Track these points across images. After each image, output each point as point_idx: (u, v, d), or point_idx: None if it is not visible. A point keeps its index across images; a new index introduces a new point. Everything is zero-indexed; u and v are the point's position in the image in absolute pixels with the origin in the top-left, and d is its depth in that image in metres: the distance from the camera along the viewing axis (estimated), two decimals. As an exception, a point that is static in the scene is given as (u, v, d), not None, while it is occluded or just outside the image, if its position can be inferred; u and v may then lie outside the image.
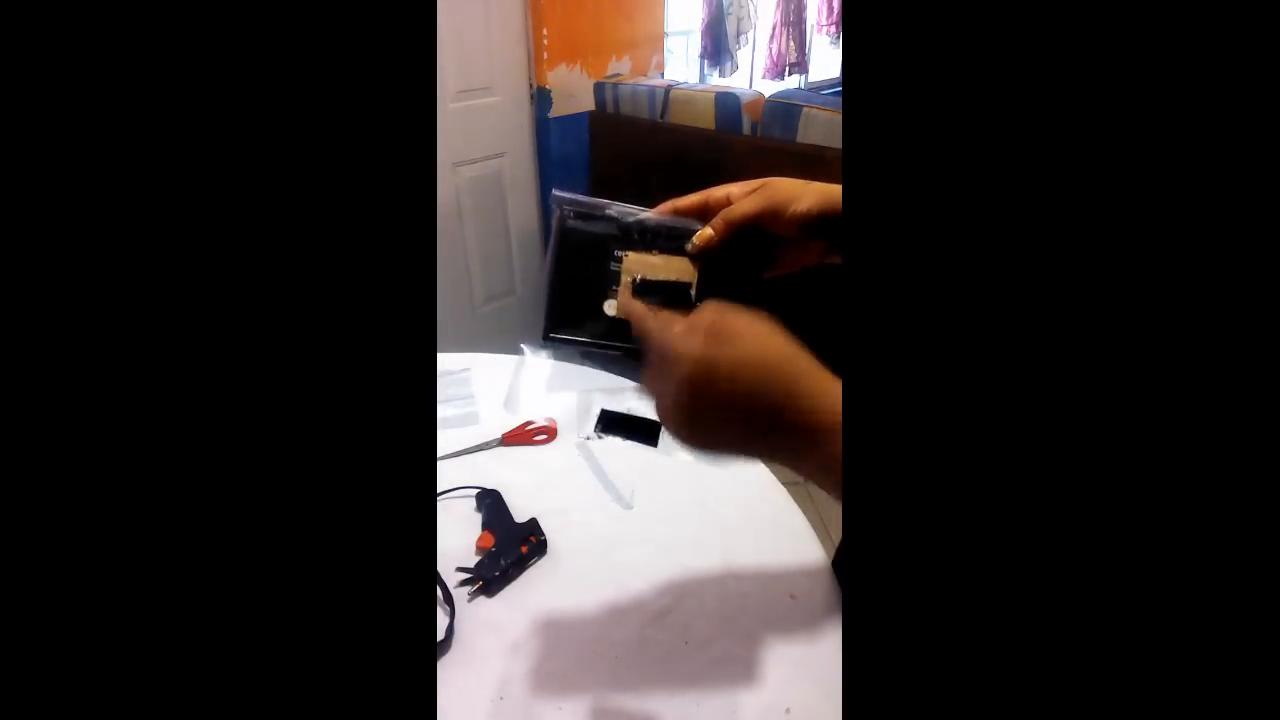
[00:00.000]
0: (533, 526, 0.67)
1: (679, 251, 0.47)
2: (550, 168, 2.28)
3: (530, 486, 0.75)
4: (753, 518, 0.72)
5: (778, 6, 3.17)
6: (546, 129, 2.22)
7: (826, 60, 3.56)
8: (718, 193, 0.48)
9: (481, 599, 0.62)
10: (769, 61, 3.24)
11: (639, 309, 0.43)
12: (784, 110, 1.74)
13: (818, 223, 0.46)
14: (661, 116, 2.02)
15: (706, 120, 1.92)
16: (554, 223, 0.47)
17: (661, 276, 0.46)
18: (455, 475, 0.75)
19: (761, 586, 0.64)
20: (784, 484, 0.75)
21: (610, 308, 0.46)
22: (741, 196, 0.47)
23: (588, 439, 0.84)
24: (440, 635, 0.57)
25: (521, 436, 0.84)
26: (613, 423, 0.86)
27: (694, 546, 0.68)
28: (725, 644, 0.58)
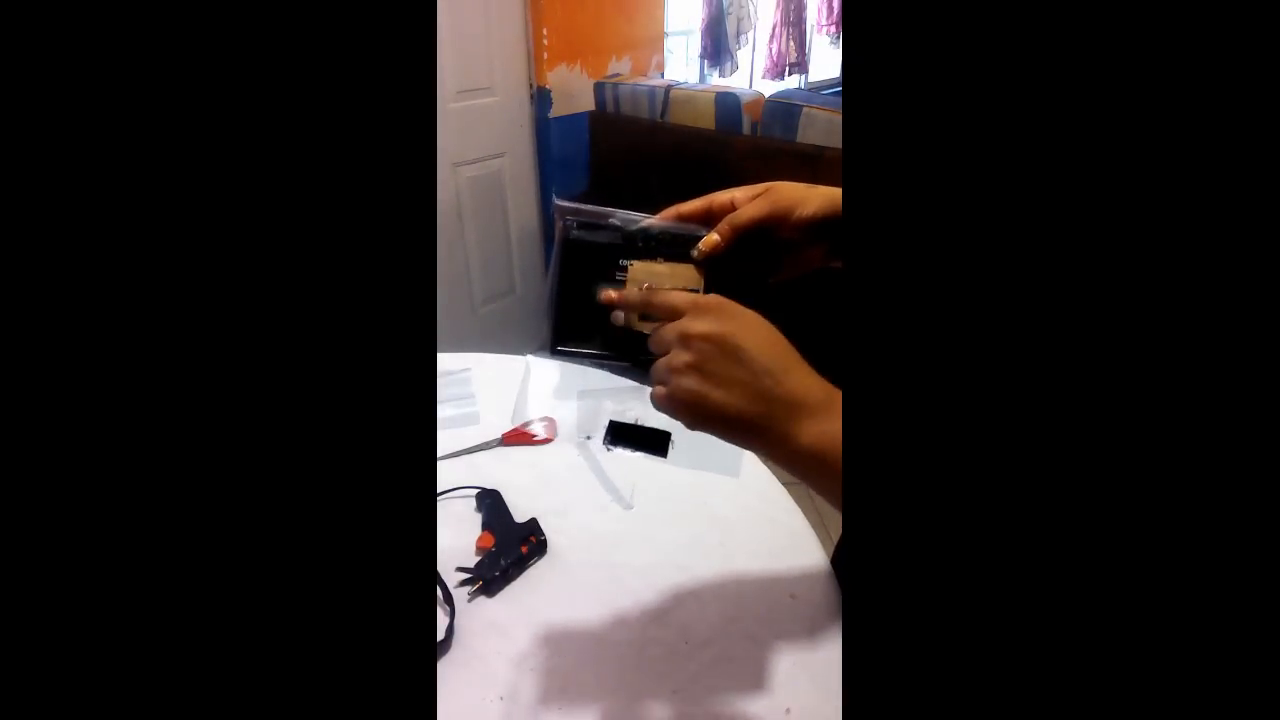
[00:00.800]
0: (533, 526, 0.67)
1: (684, 258, 0.47)
2: (550, 168, 2.28)
3: (530, 486, 0.75)
4: (753, 518, 0.72)
5: (778, 6, 3.17)
6: (546, 129, 2.22)
7: (826, 60, 3.57)
8: (721, 197, 0.48)
9: (481, 599, 0.62)
10: (769, 61, 3.24)
11: (634, 295, 0.44)
12: (784, 110, 1.74)
13: (822, 227, 0.46)
14: (661, 116, 2.02)
15: (706, 120, 1.92)
16: (556, 234, 0.47)
17: (668, 284, 0.46)
18: (455, 475, 0.75)
19: (761, 586, 0.64)
20: (784, 484, 0.75)
21: (617, 318, 0.45)
22: (745, 201, 0.47)
23: (588, 439, 0.84)
24: (440, 635, 0.57)
25: (521, 436, 0.84)
26: (621, 434, 0.86)
27: (694, 546, 0.68)
28: (725, 644, 0.58)
